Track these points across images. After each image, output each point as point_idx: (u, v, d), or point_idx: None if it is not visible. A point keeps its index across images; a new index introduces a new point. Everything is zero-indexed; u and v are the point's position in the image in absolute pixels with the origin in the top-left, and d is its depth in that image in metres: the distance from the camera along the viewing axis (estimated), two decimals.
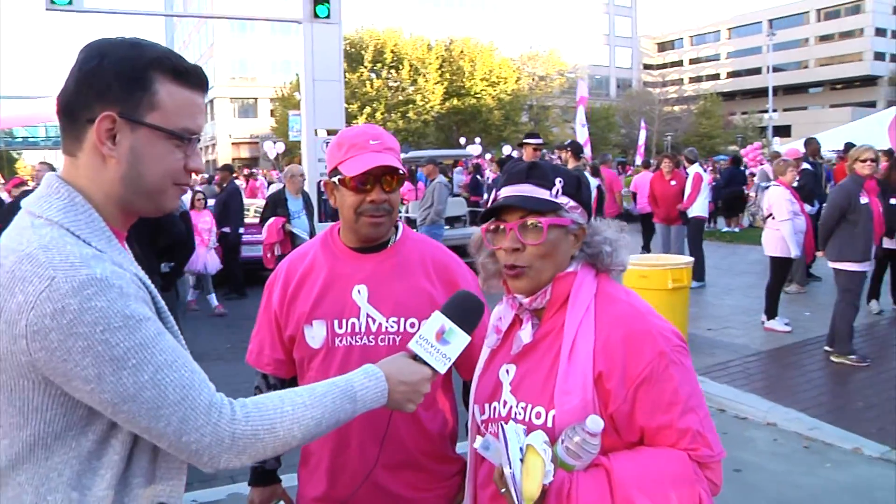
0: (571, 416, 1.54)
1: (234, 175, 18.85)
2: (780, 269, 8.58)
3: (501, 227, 1.68)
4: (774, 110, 56.12)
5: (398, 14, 57.67)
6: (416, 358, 1.61)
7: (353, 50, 44.53)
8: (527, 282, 1.67)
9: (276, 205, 9.72)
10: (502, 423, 1.60)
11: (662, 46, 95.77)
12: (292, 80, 46.44)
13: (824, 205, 7.41)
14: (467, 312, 1.68)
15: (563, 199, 1.66)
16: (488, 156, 30.58)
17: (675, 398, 1.55)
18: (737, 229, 18.76)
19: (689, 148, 13.51)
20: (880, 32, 75.35)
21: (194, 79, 1.40)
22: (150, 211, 1.42)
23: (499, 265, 1.73)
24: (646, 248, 14.60)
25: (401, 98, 46.59)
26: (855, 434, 5.46)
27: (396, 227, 2.25)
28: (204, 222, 10.69)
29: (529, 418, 1.61)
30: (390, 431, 1.92)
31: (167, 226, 6.25)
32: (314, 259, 2.20)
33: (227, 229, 11.68)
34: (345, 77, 16.66)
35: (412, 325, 2.08)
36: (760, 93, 68.67)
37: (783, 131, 53.90)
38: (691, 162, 12.17)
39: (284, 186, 10.22)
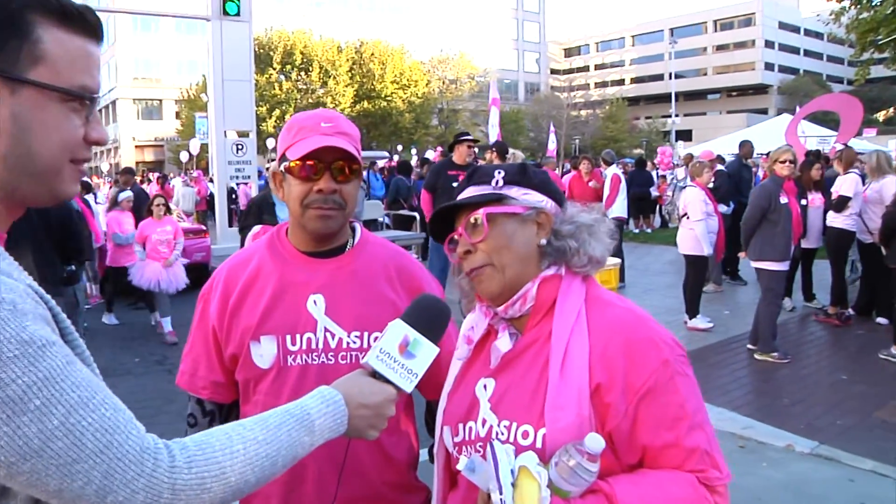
0: (565, 435, 1.36)
1: (139, 178, 18.04)
2: (697, 268, 8.69)
3: (454, 236, 1.58)
4: (677, 115, 58.05)
5: (308, 15, 56.82)
6: (375, 375, 1.38)
7: (261, 51, 43.59)
8: (490, 281, 1.52)
9: (260, 210, 7.93)
10: (492, 441, 1.38)
11: (569, 52, 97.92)
12: (199, 82, 45.20)
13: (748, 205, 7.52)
14: (432, 319, 1.47)
15: (507, 190, 1.55)
16: (396, 157, 30.39)
17: (681, 413, 1.39)
18: (649, 230, 19.17)
19: (607, 150, 13.63)
20: (769, 44, 79.42)
21: (87, 24, 1.10)
22: (42, 198, 1.10)
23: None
24: None
25: (311, 100, 45.78)
26: (785, 431, 5.52)
27: (353, 230, 2.00)
28: (163, 232, 9.09)
29: (515, 438, 1.42)
30: (350, 461, 1.65)
31: (69, 223, 5.79)
32: (260, 264, 1.91)
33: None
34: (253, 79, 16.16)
35: (376, 341, 1.84)
36: (663, 98, 71.34)
37: (685, 135, 55.68)
38: (609, 164, 12.26)
39: (267, 188, 8.51)
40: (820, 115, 19.33)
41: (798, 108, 16.81)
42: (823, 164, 9.88)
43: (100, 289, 11.08)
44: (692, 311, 8.61)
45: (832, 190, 9.11)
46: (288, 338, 1.82)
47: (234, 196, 19.16)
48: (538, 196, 1.56)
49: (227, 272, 1.95)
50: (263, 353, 1.83)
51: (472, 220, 1.53)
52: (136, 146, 62.29)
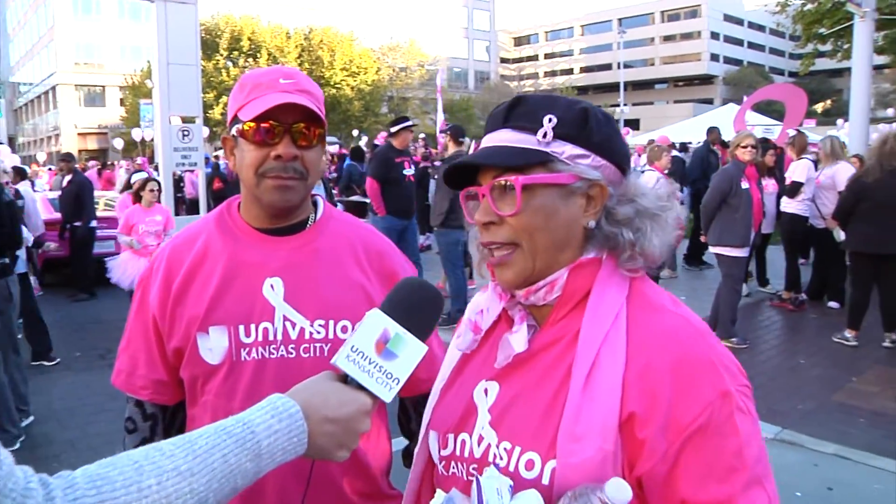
0: (580, 473, 1.04)
1: (80, 165, 17.47)
2: None
3: (474, 192, 1.21)
4: (625, 104, 58.64)
5: (255, 1, 55.79)
6: (346, 380, 1.12)
7: (208, 37, 42.62)
8: (513, 269, 1.17)
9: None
10: (478, 478, 1.08)
11: (518, 41, 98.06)
12: (143, 68, 44.07)
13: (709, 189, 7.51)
14: (420, 310, 1.18)
15: (556, 146, 1.14)
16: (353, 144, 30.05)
17: (737, 462, 1.04)
18: None
19: None
20: (715, 36, 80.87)
21: None
22: None
23: None
24: None
25: None
26: None
27: (316, 204, 1.77)
28: (152, 222, 7.97)
29: (516, 467, 1.10)
30: (317, 470, 1.43)
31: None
32: (207, 244, 1.67)
33: (78, 223, 10.70)
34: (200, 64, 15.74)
35: (344, 330, 1.62)
36: (612, 87, 71.93)
37: (633, 124, 56.15)
38: None
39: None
40: (763, 105, 19.58)
41: (745, 98, 16.99)
42: (776, 151, 9.96)
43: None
44: None
45: (785, 176, 9.19)
46: (241, 328, 1.59)
47: (181, 184, 18.67)
48: (597, 160, 1.16)
49: (170, 253, 1.70)
50: (213, 346, 1.60)
51: (501, 182, 1.15)
52: (79, 134, 60.50)
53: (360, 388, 1.11)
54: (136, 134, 30.68)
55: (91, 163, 28.70)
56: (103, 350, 7.71)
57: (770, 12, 24.18)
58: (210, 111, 38.10)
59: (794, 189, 8.80)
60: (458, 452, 1.23)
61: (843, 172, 8.34)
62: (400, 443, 1.84)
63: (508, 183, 1.14)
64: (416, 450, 1.34)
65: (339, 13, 61.16)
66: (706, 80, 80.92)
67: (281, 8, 56.92)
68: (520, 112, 1.18)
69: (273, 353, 1.59)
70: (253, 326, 1.59)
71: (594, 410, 1.05)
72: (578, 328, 1.13)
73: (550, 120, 1.14)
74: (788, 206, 8.97)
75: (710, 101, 67.23)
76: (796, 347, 7.48)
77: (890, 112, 37.34)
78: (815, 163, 9.18)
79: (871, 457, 4.82)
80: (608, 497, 0.97)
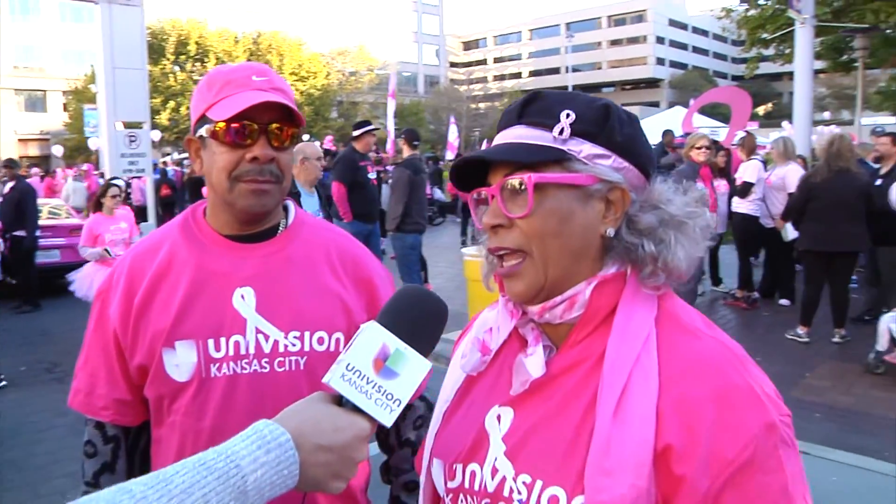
0: None
1: (22, 172, 16.96)
2: None
3: (483, 193, 1.12)
4: None
5: (202, 4, 54.98)
6: (340, 402, 1.01)
7: (154, 41, 41.83)
8: (522, 280, 1.07)
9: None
10: None
11: (468, 45, 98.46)
12: (87, 73, 43.05)
13: None
14: (424, 322, 1.07)
15: (574, 144, 1.05)
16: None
17: (782, 500, 0.95)
18: None
19: None
20: (660, 40, 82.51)
21: None
22: None
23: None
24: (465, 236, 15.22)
25: None
26: None
27: (286, 209, 1.68)
28: (118, 230, 7.64)
29: (537, 503, 1.01)
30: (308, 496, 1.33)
31: None
32: (172, 252, 1.57)
33: (21, 233, 10.30)
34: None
35: (320, 342, 1.54)
36: None
37: None
38: None
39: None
40: (708, 107, 19.97)
41: (691, 102, 17.32)
42: (725, 152, 10.14)
43: None
44: None
45: (735, 176, 9.35)
46: (210, 342, 1.50)
47: (128, 191, 18.29)
48: (619, 161, 1.06)
49: (131, 263, 1.59)
50: (180, 362, 1.50)
51: (511, 183, 1.05)
52: (20, 140, 58.81)
53: (357, 410, 0.99)
54: (93, 143, 29.99)
55: (33, 170, 27.89)
56: (48, 364, 7.44)
57: (715, 17, 24.67)
58: (157, 116, 37.39)
59: (744, 189, 8.96)
60: (467, 485, 1.11)
61: (793, 174, 8.52)
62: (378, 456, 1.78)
63: (520, 182, 1.04)
64: (421, 480, 1.23)
65: (288, 18, 60.64)
66: (652, 83, 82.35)
67: (228, 12, 56.17)
68: (535, 108, 1.08)
69: (245, 368, 1.50)
70: (223, 340, 1.50)
71: (626, 442, 0.95)
72: (602, 350, 1.03)
73: (568, 115, 1.04)
74: (740, 206, 9.12)
75: (656, 104, 68.43)
76: (751, 345, 7.55)
77: (826, 115, 38.45)
78: (764, 163, 9.35)
79: (827, 450, 4.89)
80: None
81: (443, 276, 11.59)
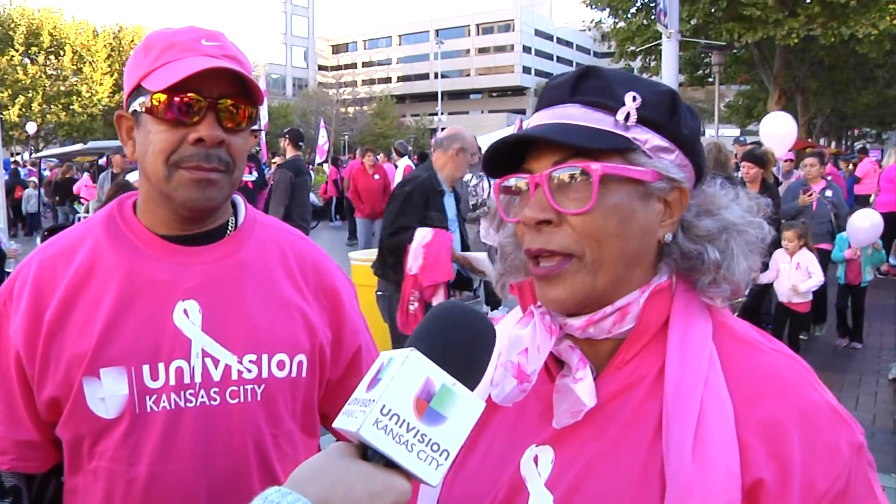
0: None
1: None
2: None
3: (523, 181, 0.93)
4: (442, 113, 60.19)
5: None
6: (366, 455, 0.77)
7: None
8: (570, 285, 0.90)
9: (426, 200, 4.48)
10: None
11: (337, 49, 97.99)
12: None
13: None
14: (474, 347, 0.84)
15: (639, 132, 0.90)
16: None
17: None
18: None
19: (400, 141, 13.75)
20: (527, 50, 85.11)
21: None
22: None
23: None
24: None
25: (63, 88, 41.79)
26: None
27: (235, 205, 1.43)
28: None
29: None
30: None
31: None
32: (93, 256, 1.28)
33: None
34: None
35: (281, 366, 1.31)
36: (429, 97, 73.92)
37: None
38: (401, 155, 12.37)
39: (429, 171, 4.73)
40: None
41: None
42: None
43: None
44: None
45: None
46: (146, 369, 1.23)
47: None
48: (682, 158, 0.94)
49: (39, 268, 1.29)
50: (106, 395, 1.22)
51: (569, 171, 0.88)
52: None
53: (392, 466, 0.76)
54: None
55: None
56: None
57: (582, 29, 25.77)
58: (5, 112, 34.91)
59: None
60: None
61: None
62: None
63: (579, 171, 0.88)
64: None
65: (151, 12, 58.24)
66: (519, 91, 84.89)
67: (86, 3, 53.28)
68: (593, 85, 0.92)
69: (190, 401, 1.25)
70: (161, 366, 1.24)
71: (711, 479, 0.81)
72: (657, 370, 0.90)
73: (635, 99, 0.89)
74: None
75: (522, 112, 70.37)
76: None
77: None
78: None
79: None
80: None
81: None
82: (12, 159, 23.44)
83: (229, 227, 1.38)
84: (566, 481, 0.89)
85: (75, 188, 17.95)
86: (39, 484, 1.33)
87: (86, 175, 18.48)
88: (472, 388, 0.80)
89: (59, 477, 1.33)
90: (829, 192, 7.81)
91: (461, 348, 0.81)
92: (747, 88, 29.12)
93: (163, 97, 1.21)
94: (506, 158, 0.95)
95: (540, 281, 0.92)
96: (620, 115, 0.89)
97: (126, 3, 59.09)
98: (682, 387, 0.86)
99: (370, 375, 0.80)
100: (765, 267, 6.70)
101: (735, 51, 20.97)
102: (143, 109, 1.25)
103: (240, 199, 1.43)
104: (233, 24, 66.87)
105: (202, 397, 1.26)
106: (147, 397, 1.23)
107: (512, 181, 0.94)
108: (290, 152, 8.69)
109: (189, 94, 1.21)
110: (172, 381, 1.24)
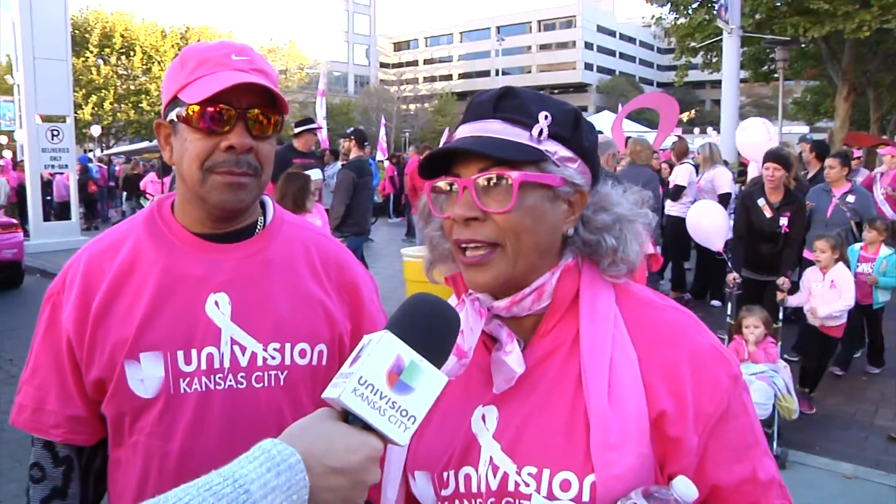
0: (624, 483, 1.01)
1: None
2: None
3: (453, 185, 1.10)
4: None
5: None
6: (348, 419, 0.92)
7: (76, 32, 40.41)
8: (493, 271, 1.09)
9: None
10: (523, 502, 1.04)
11: (398, 46, 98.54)
12: (1, 62, 41.30)
13: None
14: (439, 331, 0.98)
15: (549, 145, 1.09)
16: None
17: (752, 438, 1.11)
18: None
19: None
20: (589, 46, 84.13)
21: None
22: None
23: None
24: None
25: (133, 87, 43.11)
26: None
27: (264, 206, 1.55)
28: None
29: (549, 490, 1.04)
30: None
31: None
32: (135, 252, 1.42)
33: None
34: None
35: (303, 355, 1.44)
36: None
37: None
38: None
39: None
40: (634, 112, 20.41)
41: (620, 106, 17.69)
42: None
43: None
44: None
45: (668, 179, 9.57)
46: (180, 354, 1.37)
47: (49, 188, 17.58)
48: (583, 166, 1.14)
49: (88, 262, 1.44)
50: (145, 376, 1.36)
51: (492, 178, 1.06)
52: None
53: (367, 428, 0.91)
54: (19, 136, 28.78)
55: None
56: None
57: (644, 25, 25.27)
58: (79, 111, 36.12)
59: (676, 192, 9.16)
60: (462, 489, 1.13)
61: (721, 176, 8.77)
62: None
63: (502, 177, 1.06)
64: (389, 499, 1.19)
65: (217, 13, 59.52)
66: (581, 88, 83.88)
67: (155, 5, 54.77)
68: (511, 104, 1.11)
69: (219, 384, 1.38)
70: (194, 352, 1.38)
71: (625, 416, 1.03)
72: (574, 335, 1.11)
73: (546, 117, 1.09)
74: (672, 209, 9.31)
75: (584, 109, 69.74)
76: None
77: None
78: (696, 167, 9.61)
79: None
80: (677, 494, 0.98)
81: (379, 276, 11.50)
82: (88, 156, 24.18)
83: (258, 226, 1.51)
84: (510, 431, 1.10)
85: (142, 184, 18.43)
86: (88, 455, 1.50)
87: (152, 172, 18.96)
88: (438, 366, 0.94)
89: (105, 450, 1.49)
90: (850, 198, 7.11)
91: (428, 332, 0.95)
92: (815, 84, 28.09)
93: (197, 108, 1.34)
94: (438, 164, 1.13)
95: (469, 268, 1.11)
96: (535, 131, 1.08)
97: (193, 5, 60.51)
98: (595, 346, 1.08)
99: (354, 353, 0.94)
100: (795, 287, 6.06)
101: (801, 45, 20.26)
102: (180, 119, 1.38)
103: (268, 200, 1.56)
104: (296, 22, 67.94)
105: (230, 381, 1.39)
106: (181, 380, 1.38)
107: (442, 184, 1.12)
108: (355, 152, 8.81)
109: (221, 105, 1.34)
110: (204, 366, 1.38)
